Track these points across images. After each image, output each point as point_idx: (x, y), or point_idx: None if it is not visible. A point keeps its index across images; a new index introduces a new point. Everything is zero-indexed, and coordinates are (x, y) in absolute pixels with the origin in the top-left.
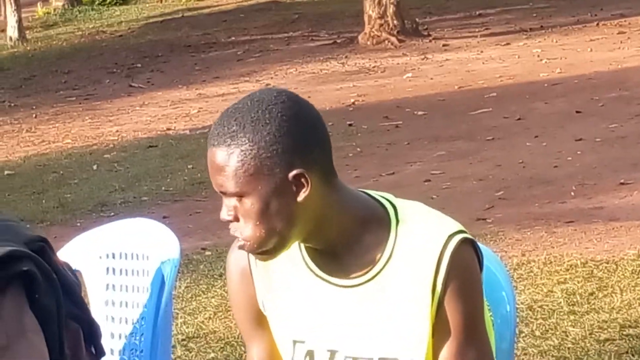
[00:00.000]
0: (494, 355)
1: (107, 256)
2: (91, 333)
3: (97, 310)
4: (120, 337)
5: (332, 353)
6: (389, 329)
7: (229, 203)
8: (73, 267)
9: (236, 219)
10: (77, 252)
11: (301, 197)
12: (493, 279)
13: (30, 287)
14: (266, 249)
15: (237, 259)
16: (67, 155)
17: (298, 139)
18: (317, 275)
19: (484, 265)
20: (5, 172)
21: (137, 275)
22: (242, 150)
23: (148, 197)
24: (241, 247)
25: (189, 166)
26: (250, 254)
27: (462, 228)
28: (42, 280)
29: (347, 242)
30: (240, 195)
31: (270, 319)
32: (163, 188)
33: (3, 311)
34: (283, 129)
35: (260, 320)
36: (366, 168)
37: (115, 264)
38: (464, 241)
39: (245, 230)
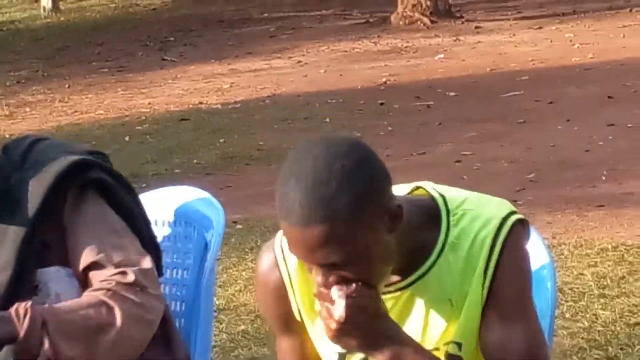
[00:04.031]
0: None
1: (152, 222)
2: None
3: None
4: None
5: None
6: (447, 320)
7: (329, 271)
8: None
9: (345, 282)
10: None
11: (396, 227)
12: (534, 257)
13: (107, 192)
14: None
15: (267, 274)
16: (100, 126)
17: (374, 175)
18: None
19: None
20: None
21: (181, 242)
22: (341, 219)
23: (180, 170)
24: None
25: (221, 140)
26: (284, 272)
27: (513, 208)
28: (115, 184)
29: (403, 249)
30: (347, 260)
31: (310, 329)
32: (195, 161)
33: (88, 217)
34: (359, 175)
35: (293, 322)
36: (397, 147)
37: (159, 230)
38: (516, 223)
39: (363, 280)
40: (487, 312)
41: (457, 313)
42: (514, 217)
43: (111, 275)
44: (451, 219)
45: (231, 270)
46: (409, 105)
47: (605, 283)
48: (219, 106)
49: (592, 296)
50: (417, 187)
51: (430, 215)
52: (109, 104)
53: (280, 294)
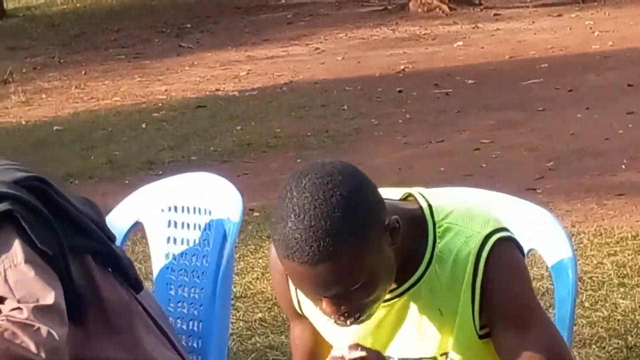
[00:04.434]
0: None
1: (170, 209)
2: (114, 263)
3: (158, 263)
4: (180, 289)
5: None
6: (440, 330)
7: (341, 300)
8: (135, 219)
9: (352, 307)
10: (139, 203)
11: (396, 240)
12: (554, 246)
13: (19, 225)
14: (375, 310)
15: (275, 262)
16: (116, 112)
17: (371, 198)
18: None
19: (524, 252)
20: (55, 128)
21: (199, 230)
22: (350, 250)
23: (196, 157)
24: (350, 323)
25: (238, 127)
26: None
27: (498, 226)
28: (30, 216)
29: (397, 259)
30: (359, 285)
31: (318, 326)
32: (211, 148)
33: None
34: (359, 202)
35: (301, 313)
36: (415, 135)
37: (177, 217)
38: (499, 241)
39: (365, 307)
40: (494, 328)
41: (450, 324)
42: (497, 235)
43: (9, 311)
44: (437, 230)
45: (248, 258)
46: (428, 93)
47: (624, 272)
48: (236, 93)
49: (611, 285)
50: (408, 195)
51: (419, 224)
52: (125, 90)
53: (283, 279)
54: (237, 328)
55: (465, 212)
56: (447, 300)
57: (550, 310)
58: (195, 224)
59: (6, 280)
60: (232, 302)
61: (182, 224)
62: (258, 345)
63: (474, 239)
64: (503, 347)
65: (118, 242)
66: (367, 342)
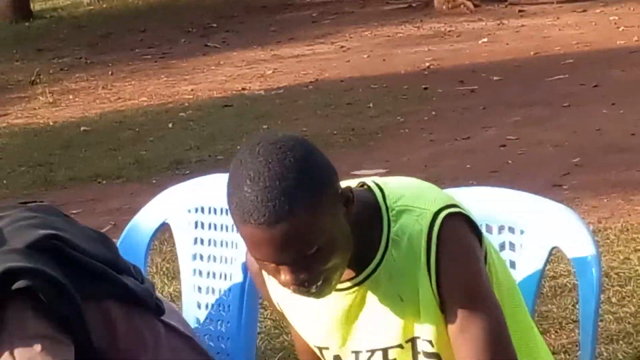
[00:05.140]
0: (509, 321)
1: (196, 210)
2: (130, 297)
3: (185, 264)
4: (208, 290)
5: (357, 354)
6: (403, 316)
7: (299, 266)
8: (162, 219)
9: (311, 274)
10: (165, 204)
11: (350, 211)
12: (577, 243)
13: (37, 298)
14: (339, 278)
15: (253, 261)
16: (143, 112)
17: (324, 163)
18: None
19: (481, 233)
20: (82, 128)
21: (226, 231)
22: (305, 210)
23: (223, 157)
24: (317, 294)
25: (264, 126)
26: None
27: (448, 202)
28: (49, 288)
29: (353, 245)
30: (315, 250)
31: (290, 321)
32: (238, 147)
33: (6, 324)
34: (312, 164)
35: (281, 310)
36: (441, 132)
37: (204, 218)
38: (449, 216)
39: (323, 276)
40: (445, 306)
41: (410, 308)
42: (447, 211)
43: None
44: (390, 214)
45: None
46: (453, 90)
47: None
48: (262, 92)
49: (638, 280)
50: (362, 184)
51: (374, 210)
52: (152, 90)
53: (260, 277)
54: (265, 327)
55: (415, 192)
56: (406, 285)
57: (575, 307)
58: (222, 225)
59: (13, 356)
60: (260, 300)
61: (210, 224)
62: (286, 344)
63: (425, 217)
64: (449, 327)
65: (144, 245)
66: (336, 336)
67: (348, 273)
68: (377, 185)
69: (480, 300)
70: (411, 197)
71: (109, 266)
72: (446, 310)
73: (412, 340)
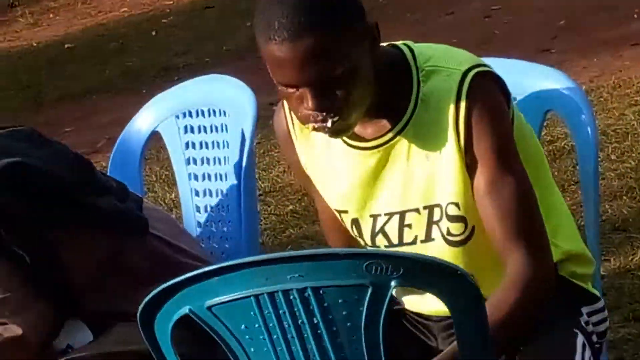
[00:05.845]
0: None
1: (184, 115)
2: (103, 220)
3: (180, 170)
4: (205, 193)
5: (375, 217)
6: (425, 177)
7: (321, 89)
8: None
9: (332, 102)
10: (153, 112)
11: (375, 50)
12: (570, 104)
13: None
14: (356, 119)
15: (280, 124)
16: (125, 23)
17: None
18: (347, 143)
19: (510, 94)
20: (66, 46)
21: (216, 132)
22: (330, 27)
23: (210, 58)
24: (334, 131)
25: (248, 24)
26: (290, 121)
27: (478, 62)
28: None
29: (378, 101)
30: (338, 73)
31: (315, 184)
32: (224, 48)
33: None
34: None
35: (307, 174)
36: (426, 10)
37: (193, 121)
38: (478, 74)
39: (344, 107)
40: (473, 166)
41: (437, 169)
42: (476, 70)
43: None
44: (420, 74)
45: (272, 153)
46: None
47: None
48: None
49: (636, 135)
50: (392, 44)
51: (405, 69)
52: (131, 0)
53: (288, 141)
54: (270, 222)
55: (445, 54)
56: (433, 143)
57: (576, 168)
58: (212, 126)
59: None
60: (262, 197)
61: (199, 127)
62: (292, 237)
63: (454, 75)
64: (476, 187)
65: (137, 155)
66: (356, 197)
67: (376, 131)
68: (407, 46)
69: (510, 161)
70: (441, 58)
71: (82, 189)
72: (474, 170)
73: (430, 209)
